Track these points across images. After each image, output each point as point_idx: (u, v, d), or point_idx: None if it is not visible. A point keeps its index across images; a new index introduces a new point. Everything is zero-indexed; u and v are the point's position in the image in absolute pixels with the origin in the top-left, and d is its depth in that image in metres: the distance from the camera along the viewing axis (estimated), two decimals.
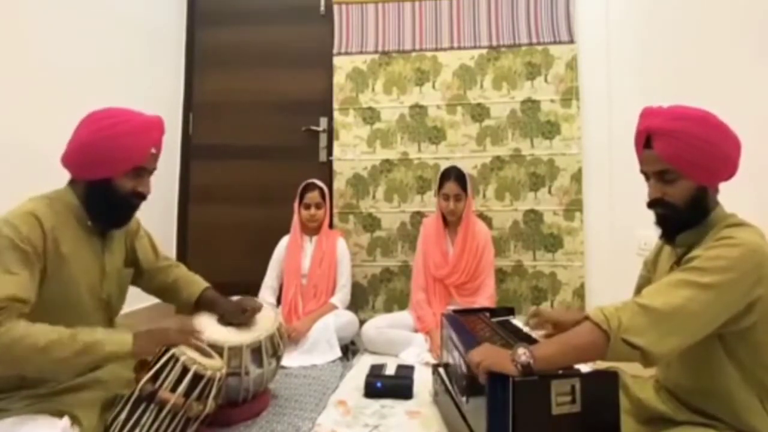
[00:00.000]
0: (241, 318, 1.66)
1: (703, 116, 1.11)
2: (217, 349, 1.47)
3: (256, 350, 1.61)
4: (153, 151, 1.37)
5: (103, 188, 1.31)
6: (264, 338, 1.63)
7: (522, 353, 1.07)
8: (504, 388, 1.06)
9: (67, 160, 1.33)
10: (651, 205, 1.17)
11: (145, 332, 1.30)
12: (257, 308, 1.71)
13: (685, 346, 1.03)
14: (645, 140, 1.15)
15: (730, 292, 1.01)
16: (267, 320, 1.72)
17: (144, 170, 1.37)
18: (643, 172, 1.19)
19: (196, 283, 1.69)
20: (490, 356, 1.14)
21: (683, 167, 1.10)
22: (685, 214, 1.12)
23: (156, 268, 1.62)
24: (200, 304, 1.67)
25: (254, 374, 1.60)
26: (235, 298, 1.74)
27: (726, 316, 1.02)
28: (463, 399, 1.39)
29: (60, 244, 1.24)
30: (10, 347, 1.10)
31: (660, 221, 1.17)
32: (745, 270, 1.00)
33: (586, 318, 1.07)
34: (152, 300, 1.76)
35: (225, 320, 1.65)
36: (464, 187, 2.47)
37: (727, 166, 1.12)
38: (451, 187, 2.46)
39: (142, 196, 1.39)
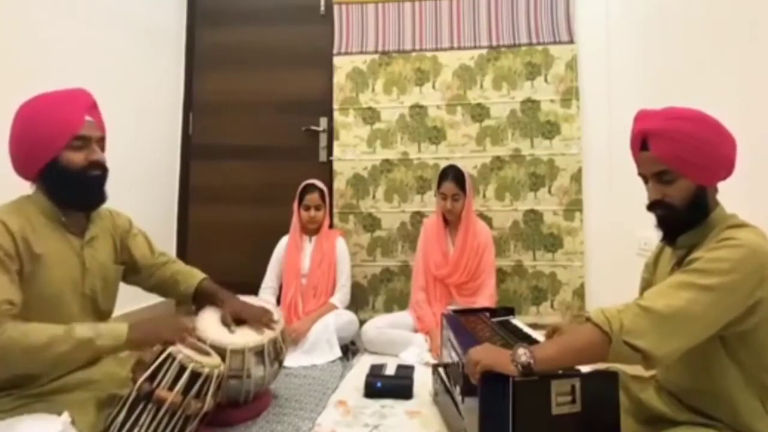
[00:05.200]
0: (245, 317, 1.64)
1: (698, 116, 1.12)
2: (220, 350, 1.46)
3: (259, 353, 1.60)
4: (88, 118, 1.31)
5: (55, 171, 1.27)
6: (267, 342, 1.61)
7: (522, 353, 1.07)
8: (504, 388, 1.06)
9: (17, 165, 1.30)
10: (651, 207, 1.17)
11: (140, 324, 1.30)
12: (262, 317, 1.66)
13: (687, 348, 1.03)
14: (641, 142, 1.15)
15: (732, 293, 1.00)
16: None
17: (86, 139, 1.30)
18: (641, 174, 1.19)
19: (194, 276, 1.68)
20: (490, 356, 1.14)
21: (681, 167, 1.10)
22: (685, 215, 1.12)
23: (153, 264, 1.62)
24: (198, 296, 1.65)
25: (256, 377, 1.59)
26: (244, 297, 1.72)
27: (728, 317, 1.02)
28: (459, 399, 1.39)
29: (32, 244, 1.22)
30: (11, 347, 1.11)
31: (661, 223, 1.17)
32: (748, 272, 1.00)
33: (588, 319, 1.07)
34: (152, 300, 1.76)
35: (227, 319, 1.62)
36: (462, 187, 2.46)
37: (725, 165, 1.12)
38: (448, 187, 2.46)
39: (99, 165, 1.33)
